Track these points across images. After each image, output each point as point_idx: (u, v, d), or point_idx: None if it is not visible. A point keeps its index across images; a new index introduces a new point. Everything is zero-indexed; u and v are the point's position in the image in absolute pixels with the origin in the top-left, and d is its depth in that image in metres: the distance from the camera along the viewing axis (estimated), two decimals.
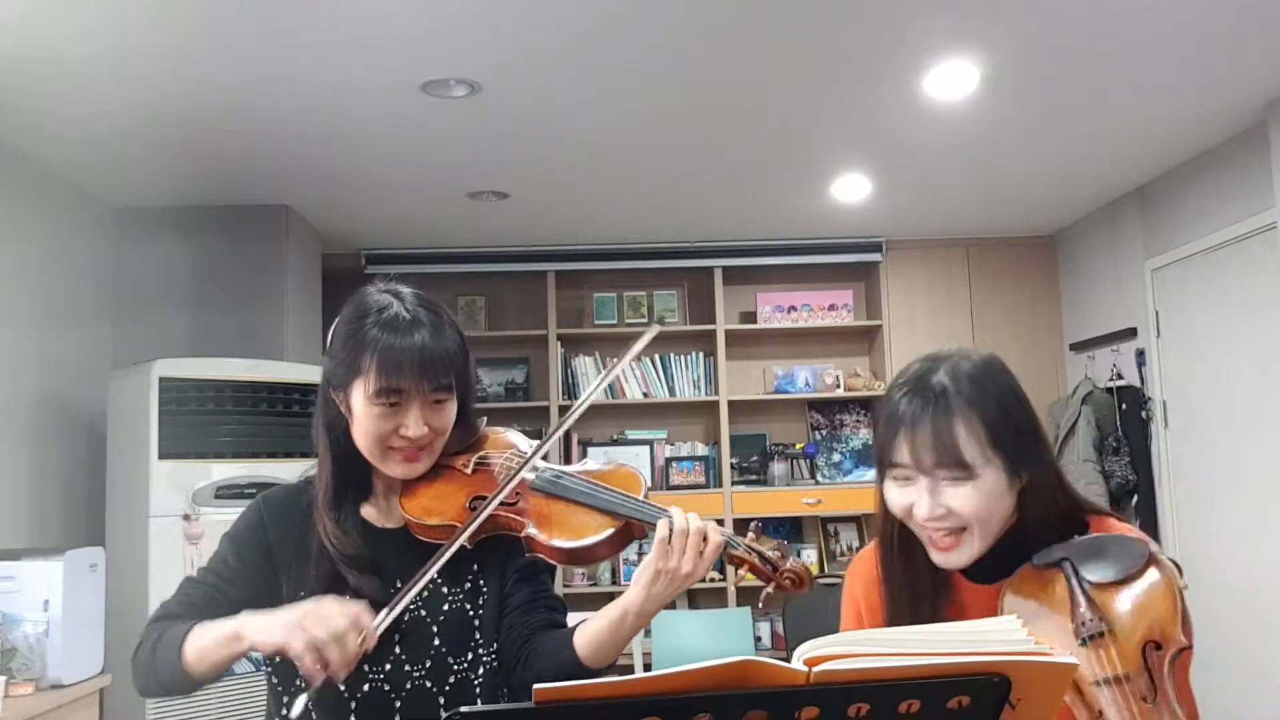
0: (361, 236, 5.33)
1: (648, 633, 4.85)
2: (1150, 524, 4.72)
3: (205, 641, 1.36)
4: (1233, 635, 4.23)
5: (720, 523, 1.45)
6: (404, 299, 1.51)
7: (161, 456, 3.74)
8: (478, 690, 1.50)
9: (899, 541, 1.39)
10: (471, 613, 1.52)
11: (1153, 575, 1.23)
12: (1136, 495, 4.81)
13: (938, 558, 1.34)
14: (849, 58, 3.26)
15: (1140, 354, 4.83)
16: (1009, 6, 2.94)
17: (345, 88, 3.35)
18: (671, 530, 1.35)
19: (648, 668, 4.67)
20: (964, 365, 1.34)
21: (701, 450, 5.67)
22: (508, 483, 1.45)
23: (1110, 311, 5.07)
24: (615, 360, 1.42)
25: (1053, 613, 1.25)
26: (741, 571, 1.39)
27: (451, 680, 1.49)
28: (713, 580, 5.40)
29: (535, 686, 0.94)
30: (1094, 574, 1.24)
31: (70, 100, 3.37)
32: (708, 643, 4.66)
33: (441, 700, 1.47)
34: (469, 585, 1.53)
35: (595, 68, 3.28)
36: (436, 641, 1.48)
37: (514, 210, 4.84)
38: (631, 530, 1.43)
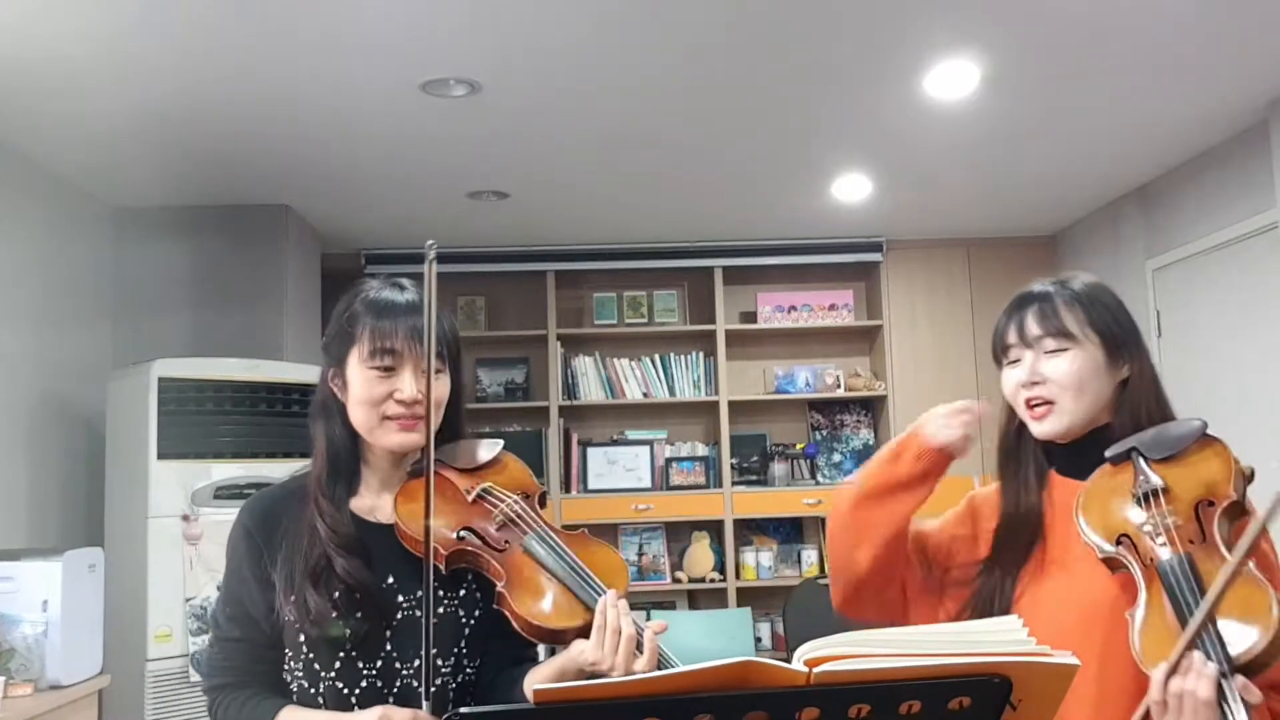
0: (361, 236, 5.32)
1: None
2: None
3: None
4: None
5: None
6: (400, 283, 1.58)
7: (161, 457, 3.74)
8: (451, 697, 1.52)
9: (1016, 434, 1.57)
10: (465, 618, 1.54)
11: (1208, 446, 1.41)
12: None
13: (1033, 426, 1.52)
14: (849, 58, 3.26)
15: None
16: (1009, 6, 2.94)
17: (345, 87, 3.35)
18: (608, 624, 1.37)
19: None
20: (1069, 279, 1.58)
21: (702, 450, 5.66)
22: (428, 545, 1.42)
23: None
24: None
25: (1119, 490, 1.41)
26: None
27: (437, 682, 1.50)
28: (713, 581, 5.39)
29: (535, 687, 0.94)
30: (1155, 453, 1.42)
31: (69, 99, 3.37)
32: (708, 643, 4.66)
33: (425, 700, 1.47)
34: (464, 593, 1.55)
35: (595, 67, 3.27)
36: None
37: (514, 210, 4.84)
38: None
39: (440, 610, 1.51)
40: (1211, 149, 4.25)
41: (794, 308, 5.73)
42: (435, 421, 1.52)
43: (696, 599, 5.59)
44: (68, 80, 3.22)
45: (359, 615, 1.46)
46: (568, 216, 5.07)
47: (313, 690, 1.50)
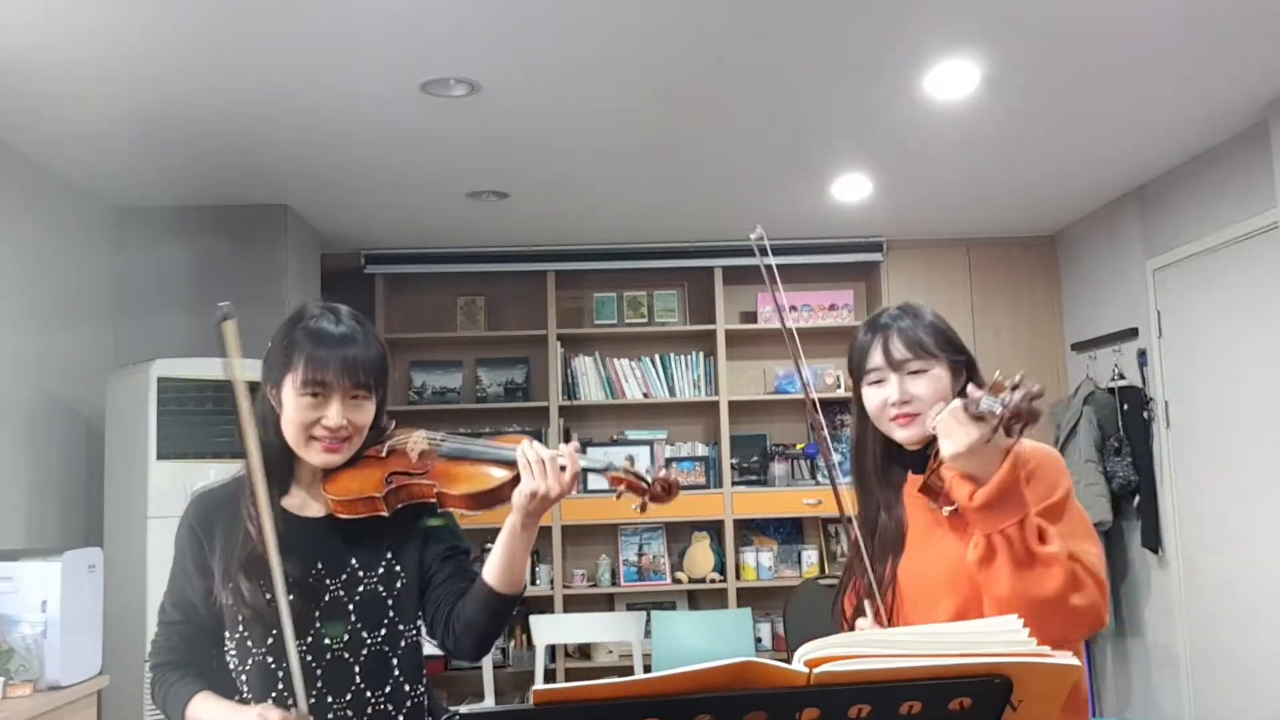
0: (361, 236, 5.32)
1: (648, 633, 4.84)
2: (1152, 524, 4.71)
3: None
4: (1233, 634, 4.22)
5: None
6: (337, 312, 1.76)
7: (160, 457, 3.75)
8: (395, 662, 1.72)
9: (871, 440, 1.81)
10: (385, 593, 1.72)
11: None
12: (1138, 496, 4.80)
13: (899, 434, 1.74)
14: (849, 57, 3.26)
15: (1142, 354, 4.82)
16: (1009, 6, 2.94)
17: (345, 87, 3.35)
18: (530, 459, 1.61)
19: (648, 669, 4.66)
20: (918, 308, 1.80)
21: (702, 450, 5.66)
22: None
23: (1112, 312, 5.06)
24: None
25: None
26: (620, 488, 1.69)
27: (365, 653, 1.69)
28: (713, 581, 5.39)
29: (535, 688, 0.95)
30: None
31: (70, 100, 3.37)
32: (708, 644, 4.65)
33: (357, 669, 1.68)
34: (383, 569, 1.73)
35: (595, 67, 3.27)
36: (353, 619, 1.69)
37: (514, 210, 4.84)
38: None
39: (361, 589, 1.70)
40: (1211, 149, 4.25)
41: (794, 308, 5.73)
42: (356, 443, 1.72)
43: (697, 599, 5.59)
44: (68, 81, 3.22)
45: (290, 598, 1.62)
46: (568, 216, 5.07)
47: (243, 667, 1.68)
